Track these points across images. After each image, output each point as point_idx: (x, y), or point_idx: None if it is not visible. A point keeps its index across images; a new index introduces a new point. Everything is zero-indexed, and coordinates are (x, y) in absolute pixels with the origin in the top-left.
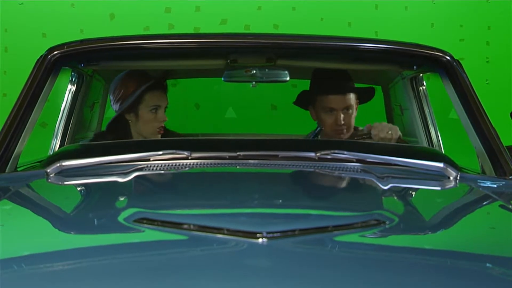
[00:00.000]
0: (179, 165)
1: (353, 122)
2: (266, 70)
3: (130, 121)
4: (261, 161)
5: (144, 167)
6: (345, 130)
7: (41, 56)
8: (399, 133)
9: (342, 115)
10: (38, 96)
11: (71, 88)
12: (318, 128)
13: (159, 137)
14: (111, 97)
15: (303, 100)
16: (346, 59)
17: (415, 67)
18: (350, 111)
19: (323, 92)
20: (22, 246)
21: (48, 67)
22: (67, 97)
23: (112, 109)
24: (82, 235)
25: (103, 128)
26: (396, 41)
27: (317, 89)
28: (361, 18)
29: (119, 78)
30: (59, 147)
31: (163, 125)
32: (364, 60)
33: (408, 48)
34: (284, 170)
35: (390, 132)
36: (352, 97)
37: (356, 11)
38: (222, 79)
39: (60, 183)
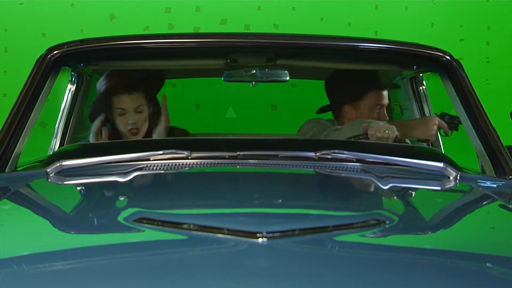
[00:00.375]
0: (179, 164)
1: None
2: (266, 70)
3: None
4: (261, 161)
5: (144, 167)
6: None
7: (41, 56)
8: (396, 132)
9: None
10: (38, 96)
11: (71, 88)
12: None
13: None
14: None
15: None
16: (346, 59)
17: (415, 67)
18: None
19: (376, 88)
20: (22, 246)
21: (48, 67)
22: (67, 97)
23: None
24: (82, 235)
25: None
26: (396, 41)
27: (368, 86)
28: (361, 18)
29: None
30: (58, 147)
31: (136, 127)
32: (364, 60)
33: (408, 48)
34: (284, 170)
35: (387, 131)
36: None
37: (356, 11)
38: (222, 79)
39: (60, 183)
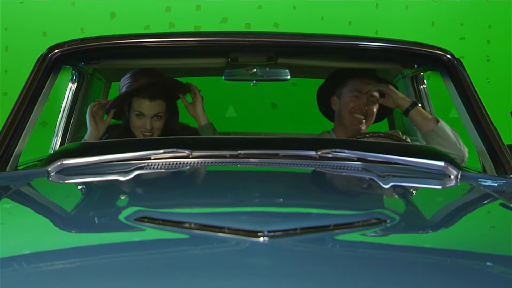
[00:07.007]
0: (180, 163)
1: (374, 114)
2: (267, 68)
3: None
4: (262, 160)
5: (145, 166)
6: (364, 120)
7: (42, 54)
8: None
9: (366, 101)
10: (38, 95)
11: (72, 86)
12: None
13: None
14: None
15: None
16: (346, 57)
17: (415, 65)
18: (373, 99)
19: (359, 75)
20: (22, 244)
21: (48, 66)
22: (68, 96)
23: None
24: (83, 234)
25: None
26: (396, 39)
27: (347, 73)
28: (362, 17)
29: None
30: (59, 146)
31: (150, 133)
32: (364, 58)
33: (408, 47)
34: (285, 168)
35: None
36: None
37: (356, 10)
38: (223, 77)
39: (61, 181)
